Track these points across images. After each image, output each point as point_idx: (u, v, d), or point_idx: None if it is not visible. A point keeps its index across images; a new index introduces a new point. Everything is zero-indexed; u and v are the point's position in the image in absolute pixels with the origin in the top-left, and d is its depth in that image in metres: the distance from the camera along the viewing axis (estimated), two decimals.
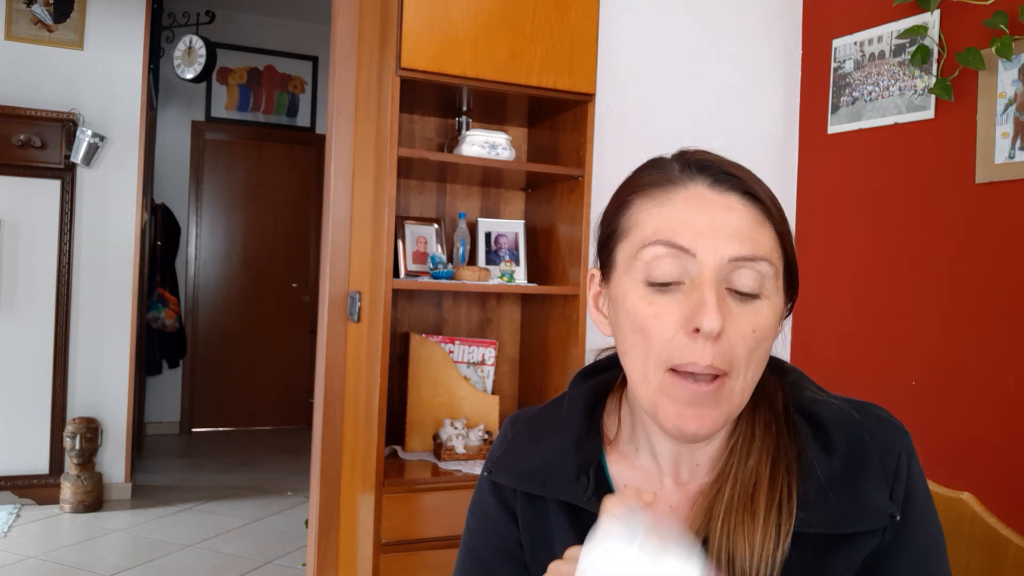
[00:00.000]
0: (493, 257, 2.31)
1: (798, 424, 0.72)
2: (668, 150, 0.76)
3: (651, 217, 0.69)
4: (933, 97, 2.22)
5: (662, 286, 0.67)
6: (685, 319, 0.65)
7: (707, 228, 0.66)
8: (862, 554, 0.68)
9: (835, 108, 2.53)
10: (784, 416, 0.73)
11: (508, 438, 0.83)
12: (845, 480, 0.69)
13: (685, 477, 0.75)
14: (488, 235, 2.33)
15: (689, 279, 0.66)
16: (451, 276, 2.08)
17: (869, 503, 0.68)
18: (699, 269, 0.66)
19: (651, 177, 0.72)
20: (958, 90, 2.14)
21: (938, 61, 2.21)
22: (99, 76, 4.03)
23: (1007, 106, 2.03)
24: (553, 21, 2.02)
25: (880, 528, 0.68)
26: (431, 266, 2.11)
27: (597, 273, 0.77)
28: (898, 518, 0.68)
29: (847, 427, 0.72)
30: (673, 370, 0.66)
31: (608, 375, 0.84)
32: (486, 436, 2.12)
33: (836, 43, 2.54)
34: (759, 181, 0.71)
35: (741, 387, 0.67)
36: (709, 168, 0.70)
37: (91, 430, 3.84)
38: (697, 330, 0.64)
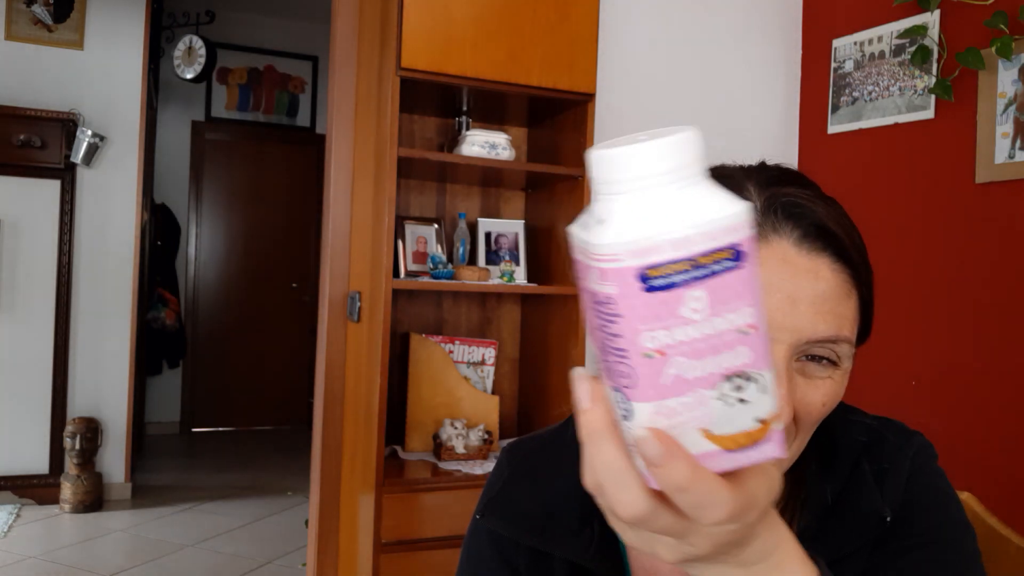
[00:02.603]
0: (493, 257, 2.31)
1: (811, 451, 0.66)
2: (729, 152, 0.65)
3: None
4: (933, 97, 2.22)
5: None
6: None
7: (788, 301, 0.55)
8: (859, 568, 0.62)
9: (835, 108, 2.53)
10: (804, 452, 0.66)
11: (505, 475, 0.71)
12: (843, 499, 0.64)
13: None
14: (488, 235, 2.33)
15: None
16: (451, 276, 2.08)
17: (863, 512, 0.63)
18: (772, 347, 0.55)
19: None
20: (958, 90, 2.14)
21: (938, 61, 2.21)
22: (99, 76, 4.03)
23: (1007, 106, 2.03)
24: (553, 21, 2.02)
25: (872, 536, 0.62)
26: (431, 266, 2.11)
27: None
28: (888, 519, 0.62)
29: (856, 447, 0.66)
30: None
31: None
32: (486, 436, 2.12)
33: (836, 43, 2.54)
34: (853, 233, 0.59)
35: (795, 450, 0.59)
36: (799, 217, 0.57)
37: (91, 430, 3.84)
38: None
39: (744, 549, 0.41)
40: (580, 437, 0.37)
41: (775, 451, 0.36)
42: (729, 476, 0.36)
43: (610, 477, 0.36)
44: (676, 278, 0.32)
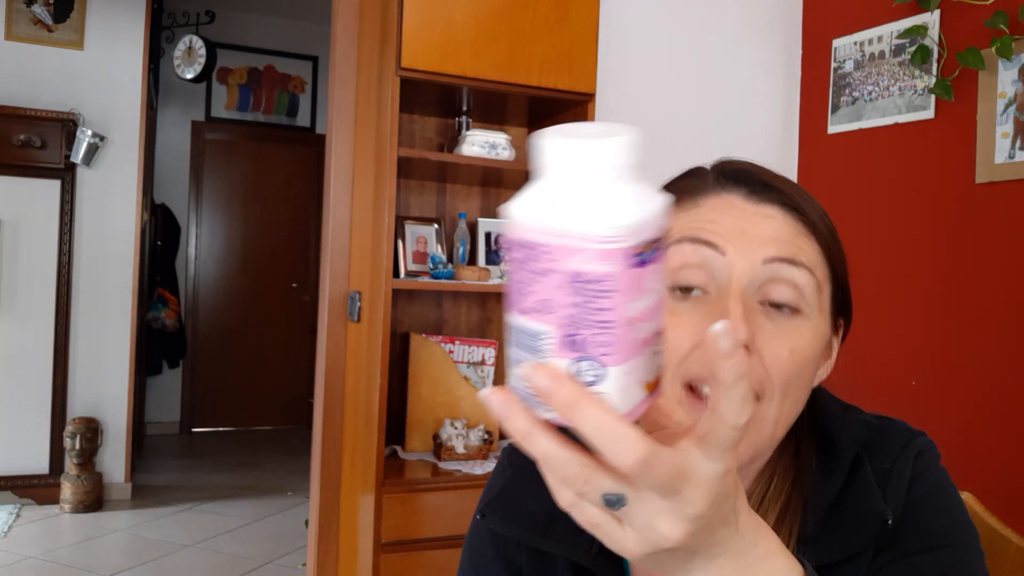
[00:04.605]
0: (493, 257, 2.31)
1: (810, 453, 0.65)
2: (729, 152, 0.69)
3: (677, 221, 0.61)
4: (933, 97, 2.22)
5: (684, 291, 0.59)
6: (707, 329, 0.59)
7: (738, 231, 0.59)
8: (862, 570, 0.61)
9: (835, 108, 2.53)
10: (798, 449, 0.66)
11: (506, 475, 0.71)
12: (844, 500, 0.63)
13: None
14: (488, 235, 2.33)
15: (716, 287, 0.59)
16: (451, 276, 2.08)
17: (864, 514, 0.62)
18: (727, 274, 0.58)
19: (683, 184, 0.65)
20: (958, 90, 2.14)
21: (938, 61, 2.21)
22: (99, 76, 4.03)
23: (1007, 106, 2.03)
24: (553, 21, 2.02)
25: (873, 539, 0.61)
26: (431, 266, 2.11)
27: None
28: (890, 521, 0.61)
29: (855, 446, 0.65)
30: (691, 388, 0.58)
31: None
32: (486, 436, 2.12)
33: (836, 43, 2.54)
34: (807, 197, 0.63)
35: (774, 416, 0.59)
36: (746, 178, 0.62)
37: (91, 430, 3.84)
38: None
39: (715, 534, 0.40)
40: (530, 450, 0.39)
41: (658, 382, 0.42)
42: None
43: (603, 435, 0.36)
44: (648, 255, 0.37)
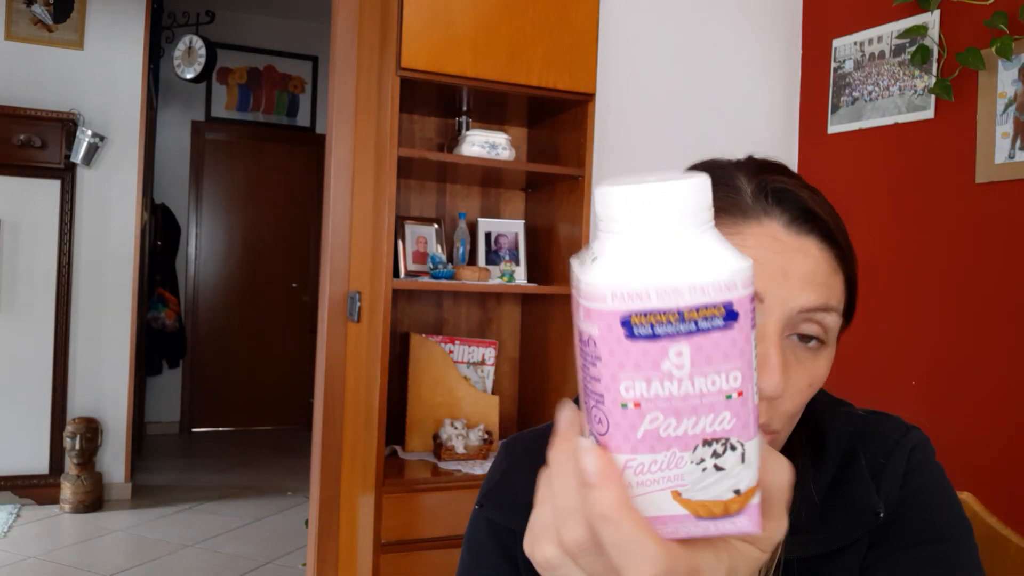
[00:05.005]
0: (493, 257, 2.31)
1: (801, 445, 0.67)
2: (730, 152, 0.67)
3: None
4: (933, 97, 2.22)
5: None
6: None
7: (779, 273, 0.58)
8: (855, 564, 0.63)
9: (835, 108, 2.53)
10: (789, 441, 0.66)
11: (503, 466, 0.74)
12: (836, 492, 0.64)
13: None
14: (488, 235, 2.33)
15: None
16: (451, 276, 2.08)
17: (857, 506, 0.63)
18: (764, 318, 0.57)
19: (720, 201, 0.61)
20: (958, 90, 2.14)
21: (938, 61, 2.21)
22: (99, 76, 4.03)
23: (1007, 106, 2.03)
24: (553, 21, 2.02)
25: (866, 532, 0.62)
26: (431, 266, 2.11)
27: None
28: (882, 515, 0.62)
29: (846, 437, 0.67)
30: None
31: None
32: (486, 436, 2.12)
33: (836, 43, 2.54)
34: (837, 218, 0.63)
35: (783, 439, 0.61)
36: (788, 202, 0.60)
37: (91, 430, 3.84)
38: None
39: None
40: (554, 458, 0.36)
41: (749, 526, 0.33)
42: (681, 542, 0.34)
43: (620, 552, 0.33)
44: (660, 329, 0.30)
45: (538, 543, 0.38)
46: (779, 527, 0.36)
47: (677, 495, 0.32)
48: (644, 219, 0.31)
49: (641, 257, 0.31)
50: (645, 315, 0.30)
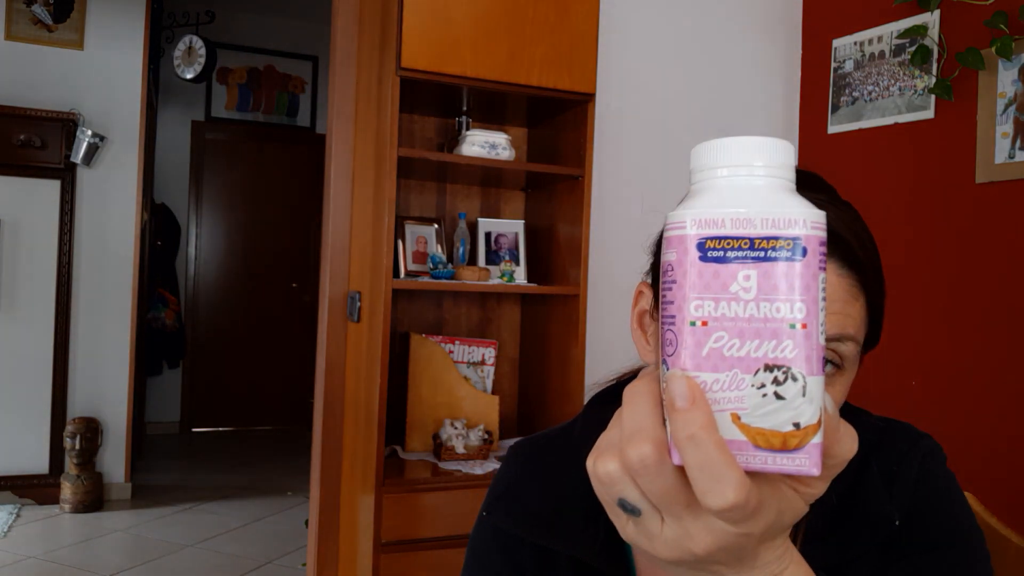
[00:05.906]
0: (493, 257, 2.31)
1: None
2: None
3: None
4: (933, 97, 2.22)
5: None
6: None
7: None
8: (867, 572, 0.62)
9: (835, 108, 2.53)
10: None
11: (512, 472, 0.72)
12: (850, 501, 0.63)
13: None
14: (488, 235, 2.33)
15: None
16: (451, 276, 2.08)
17: (872, 515, 0.62)
18: None
19: None
20: (958, 90, 2.14)
21: (938, 61, 2.21)
22: (99, 76, 4.03)
23: (1007, 106, 2.03)
24: (553, 21, 2.02)
25: (880, 539, 0.62)
26: (431, 266, 2.11)
27: (648, 291, 0.67)
28: (897, 523, 0.61)
29: (860, 446, 0.66)
30: None
31: None
32: (486, 436, 2.12)
33: (836, 43, 2.54)
34: (864, 239, 0.61)
35: None
36: None
37: (91, 430, 3.84)
38: None
39: (741, 569, 0.39)
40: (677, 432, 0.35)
41: (807, 465, 0.33)
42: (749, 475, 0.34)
43: (703, 473, 0.34)
44: (731, 253, 0.33)
45: (602, 457, 0.39)
46: (822, 487, 0.37)
47: (737, 418, 0.33)
48: (728, 169, 0.34)
49: (721, 195, 0.34)
50: (719, 240, 0.33)
